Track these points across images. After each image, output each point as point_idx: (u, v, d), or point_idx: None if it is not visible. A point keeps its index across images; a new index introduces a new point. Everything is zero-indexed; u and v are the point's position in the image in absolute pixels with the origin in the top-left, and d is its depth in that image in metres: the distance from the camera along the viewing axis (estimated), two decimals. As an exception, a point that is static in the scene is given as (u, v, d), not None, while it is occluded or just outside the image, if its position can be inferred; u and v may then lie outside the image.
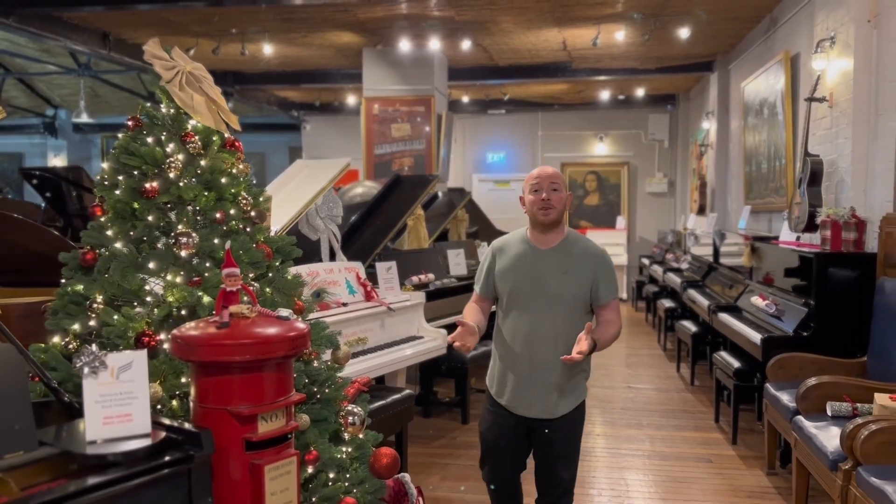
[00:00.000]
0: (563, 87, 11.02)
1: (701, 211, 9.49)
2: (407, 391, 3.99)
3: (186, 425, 1.87)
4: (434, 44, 8.17)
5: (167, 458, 1.75)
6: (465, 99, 12.29)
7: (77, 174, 6.26)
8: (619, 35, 7.65)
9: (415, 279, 5.11)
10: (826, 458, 3.05)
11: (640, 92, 11.53)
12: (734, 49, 8.46)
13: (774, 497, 3.83)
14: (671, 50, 8.57)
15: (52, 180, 5.90)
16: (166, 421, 1.89)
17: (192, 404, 1.96)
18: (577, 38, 8.02)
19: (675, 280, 7.82)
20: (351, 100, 11.72)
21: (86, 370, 1.79)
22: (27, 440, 1.74)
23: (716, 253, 7.06)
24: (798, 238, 5.00)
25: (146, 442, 1.77)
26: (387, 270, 4.49)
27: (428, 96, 8.78)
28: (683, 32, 7.48)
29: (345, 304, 3.94)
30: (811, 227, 4.70)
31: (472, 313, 2.80)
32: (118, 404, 1.82)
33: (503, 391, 2.75)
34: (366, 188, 7.27)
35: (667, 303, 7.83)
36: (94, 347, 1.82)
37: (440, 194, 7.77)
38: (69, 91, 13.51)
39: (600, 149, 12.85)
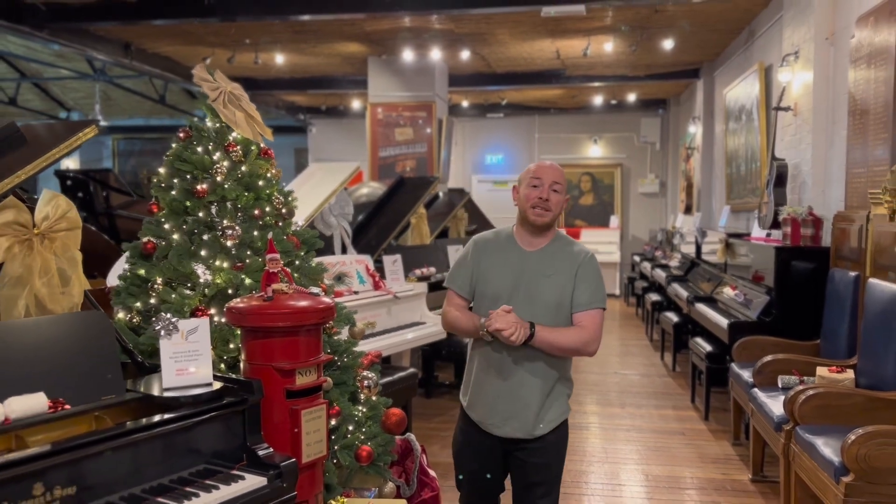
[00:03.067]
0: (559, 92, 11.51)
1: (688, 210, 9.99)
2: (411, 369, 4.48)
3: (240, 377, 2.36)
4: (435, 53, 8.68)
5: (226, 401, 2.22)
6: (465, 103, 12.77)
7: (104, 176, 6.75)
8: (608, 46, 8.15)
9: (418, 272, 5.60)
10: (773, 421, 3.54)
11: (631, 97, 12.03)
12: (718, 58, 8.96)
13: (736, 462, 4.32)
14: (659, 58, 9.06)
15: (84, 182, 6.39)
16: (223, 375, 2.38)
17: (242, 362, 2.44)
18: (570, 48, 8.51)
19: (661, 275, 8.30)
20: (355, 104, 12.21)
21: (162, 332, 2.27)
22: (117, 386, 2.23)
23: (698, 249, 7.55)
24: (768, 234, 5.49)
25: (209, 389, 2.24)
26: (393, 263, 4.98)
27: (429, 102, 9.28)
28: (669, 43, 7.98)
29: (356, 293, 4.43)
30: (776, 224, 5.19)
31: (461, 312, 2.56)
32: (187, 360, 2.29)
33: (476, 405, 2.56)
34: (371, 188, 7.76)
35: (654, 296, 8.31)
36: (168, 315, 2.30)
37: (441, 194, 8.26)
38: (82, 94, 13.97)
39: (594, 151, 13.34)
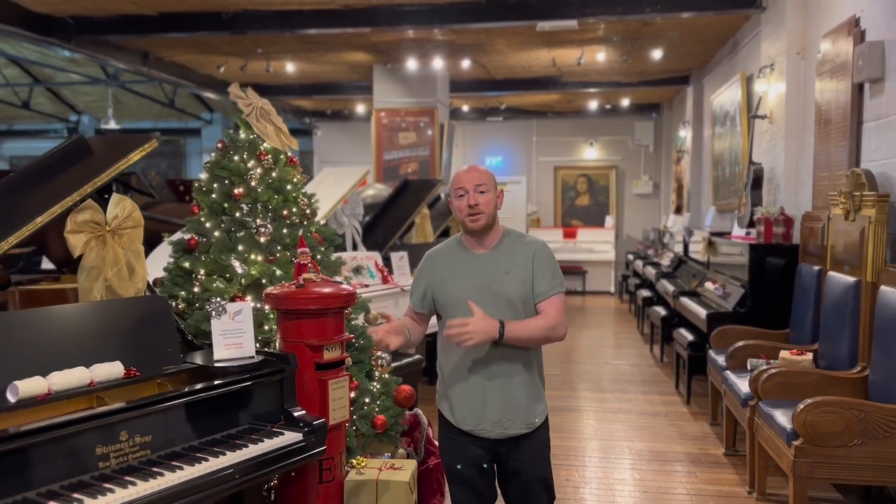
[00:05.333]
0: (555, 97, 11.94)
1: (678, 211, 10.42)
2: (417, 356, 4.91)
3: (277, 352, 2.79)
4: (437, 62, 9.14)
5: (267, 371, 2.65)
6: (465, 107, 13.20)
7: (126, 178, 7.16)
8: (601, 56, 8.60)
9: (422, 268, 6.03)
10: (740, 398, 3.98)
11: (625, 102, 12.47)
12: (706, 66, 9.39)
13: (713, 439, 4.76)
14: (650, 66, 9.50)
15: (108, 182, 6.80)
16: (263, 350, 2.82)
17: (277, 340, 2.87)
18: (565, 56, 8.96)
19: (651, 272, 8.74)
20: (360, 108, 12.66)
21: (213, 313, 2.69)
22: (176, 358, 2.66)
23: (685, 248, 7.99)
24: (747, 233, 5.92)
25: (253, 361, 2.67)
26: (399, 259, 5.41)
27: (432, 108, 9.74)
28: (658, 53, 8.43)
29: (366, 286, 4.87)
30: (752, 223, 5.62)
31: (405, 321, 2.73)
32: (234, 336, 2.71)
33: (464, 416, 2.54)
34: (376, 190, 8.20)
35: (644, 293, 8.74)
36: (218, 298, 2.74)
37: (442, 196, 8.70)
38: (93, 98, 14.38)
39: (590, 153, 13.78)
